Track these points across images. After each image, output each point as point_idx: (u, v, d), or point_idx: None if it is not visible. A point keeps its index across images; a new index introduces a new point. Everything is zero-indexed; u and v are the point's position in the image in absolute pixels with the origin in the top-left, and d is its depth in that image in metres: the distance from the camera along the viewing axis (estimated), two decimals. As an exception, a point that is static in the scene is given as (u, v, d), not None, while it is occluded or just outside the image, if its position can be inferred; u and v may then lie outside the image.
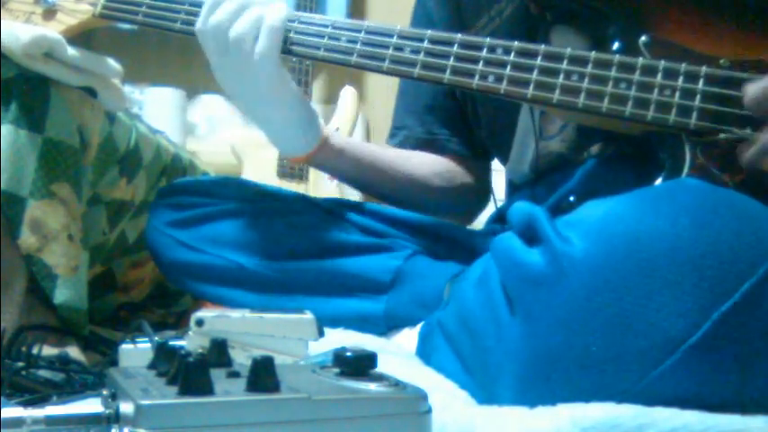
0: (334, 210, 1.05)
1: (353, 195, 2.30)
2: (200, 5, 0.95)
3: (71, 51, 0.94)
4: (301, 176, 2.16)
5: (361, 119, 2.40)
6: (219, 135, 2.52)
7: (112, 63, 1.01)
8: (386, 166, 1.09)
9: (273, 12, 0.91)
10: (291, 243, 1.01)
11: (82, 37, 1.02)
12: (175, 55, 2.35)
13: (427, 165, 1.14)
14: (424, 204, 1.12)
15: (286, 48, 0.94)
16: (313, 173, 2.18)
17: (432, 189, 1.13)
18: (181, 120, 2.36)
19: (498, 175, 1.17)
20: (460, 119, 1.14)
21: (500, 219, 1.04)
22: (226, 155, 2.24)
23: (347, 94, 2.33)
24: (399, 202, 1.11)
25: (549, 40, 0.86)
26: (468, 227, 1.18)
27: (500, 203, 1.14)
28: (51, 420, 0.47)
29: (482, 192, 1.19)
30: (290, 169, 2.16)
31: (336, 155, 1.04)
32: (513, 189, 1.05)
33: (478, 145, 1.15)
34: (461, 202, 1.17)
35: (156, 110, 2.29)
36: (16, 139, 0.92)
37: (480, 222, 1.18)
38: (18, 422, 0.46)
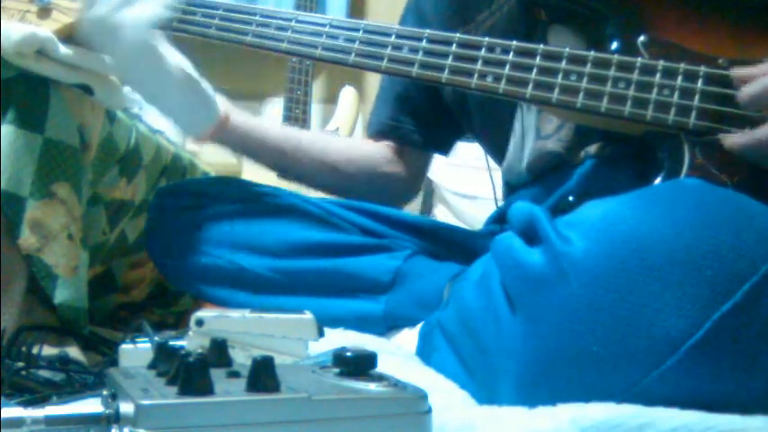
0: (333, 210, 1.05)
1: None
2: (196, 5, 0.96)
3: (63, 49, 0.94)
4: (301, 176, 2.15)
5: (361, 119, 2.40)
6: (219, 135, 2.51)
7: (107, 59, 1.00)
8: (291, 149, 1.11)
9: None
10: (291, 243, 1.01)
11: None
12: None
13: (340, 150, 1.16)
14: (334, 188, 1.16)
15: (284, 47, 0.94)
16: (313, 173, 2.17)
17: (342, 174, 1.15)
18: (181, 120, 2.35)
19: (497, 174, 1.17)
20: (429, 111, 1.15)
21: (500, 219, 1.04)
22: (226, 155, 2.24)
23: (347, 94, 2.33)
24: (310, 184, 1.14)
25: (547, 40, 0.86)
26: (468, 228, 1.18)
27: (499, 204, 1.13)
28: (51, 420, 0.47)
29: (411, 183, 1.22)
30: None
31: (239, 136, 1.06)
32: (510, 190, 1.05)
33: (440, 140, 1.18)
34: (382, 189, 1.18)
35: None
36: (16, 139, 0.92)
37: (480, 222, 1.18)
38: (18, 422, 0.46)
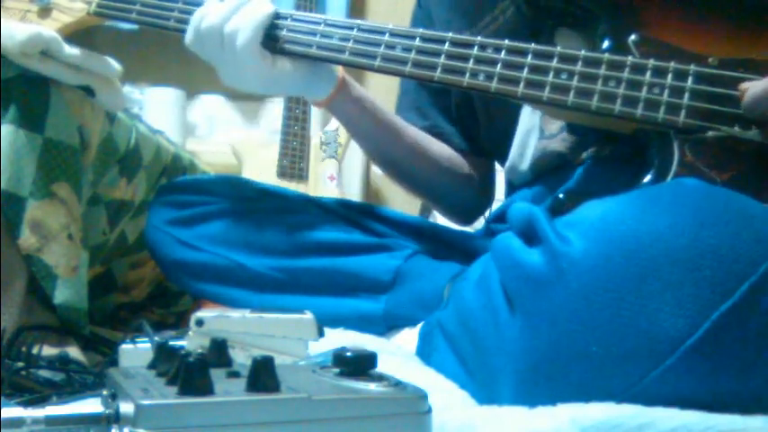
0: (333, 209, 1.05)
1: (353, 196, 2.30)
2: (192, 3, 0.96)
3: (68, 50, 0.94)
4: (301, 176, 2.16)
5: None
6: (219, 135, 2.52)
7: (111, 62, 1.01)
8: (400, 129, 1.08)
9: (257, 7, 0.94)
10: (291, 242, 1.01)
11: (82, 36, 1.02)
12: (175, 55, 2.35)
13: (444, 150, 1.13)
14: (431, 184, 1.12)
15: (278, 46, 0.94)
16: (313, 173, 2.18)
17: (442, 171, 1.12)
18: (181, 120, 2.36)
19: (498, 175, 1.17)
20: (464, 116, 1.14)
21: (499, 219, 1.04)
22: (226, 155, 2.24)
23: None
24: (402, 174, 1.11)
25: (554, 42, 0.86)
26: (468, 228, 1.18)
27: (498, 203, 1.13)
28: (51, 420, 0.47)
29: (485, 190, 1.18)
30: (289, 169, 2.16)
31: (354, 102, 1.03)
32: (512, 189, 1.06)
33: (480, 144, 1.15)
34: (465, 195, 1.16)
35: (156, 110, 2.29)
36: (16, 139, 0.92)
37: (479, 222, 1.18)
38: (18, 422, 0.46)
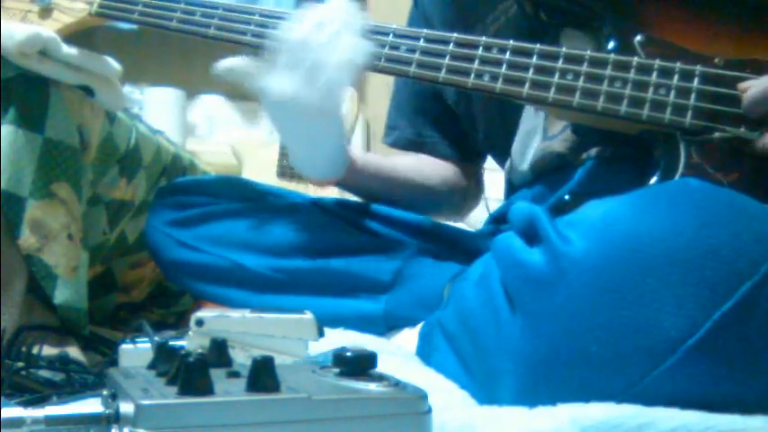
0: (333, 210, 1.05)
1: (354, 196, 2.30)
2: (195, 4, 0.95)
3: (66, 50, 0.94)
4: (301, 176, 2.16)
5: (361, 119, 2.40)
6: (219, 135, 2.52)
7: (110, 62, 1.00)
8: (401, 179, 1.11)
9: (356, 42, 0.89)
10: (291, 243, 1.01)
11: (83, 37, 1.02)
12: (175, 55, 2.35)
13: (436, 172, 1.15)
14: (433, 209, 1.14)
15: None
16: (313, 173, 2.18)
17: (440, 195, 1.15)
18: (181, 120, 2.36)
19: (497, 175, 1.17)
20: (449, 122, 1.15)
21: (500, 219, 1.04)
22: (226, 155, 2.24)
23: (347, 94, 2.33)
24: (413, 209, 1.11)
25: (559, 43, 0.86)
26: (466, 227, 1.18)
27: (498, 204, 1.13)
28: (51, 420, 0.47)
29: (475, 191, 1.21)
30: (289, 169, 2.16)
31: (359, 176, 1.05)
32: (512, 189, 1.06)
33: (468, 148, 1.17)
34: (458, 203, 1.19)
35: (156, 110, 2.29)
36: (16, 139, 0.92)
37: (479, 222, 1.18)
38: (18, 422, 0.46)
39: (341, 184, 1.07)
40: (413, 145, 1.17)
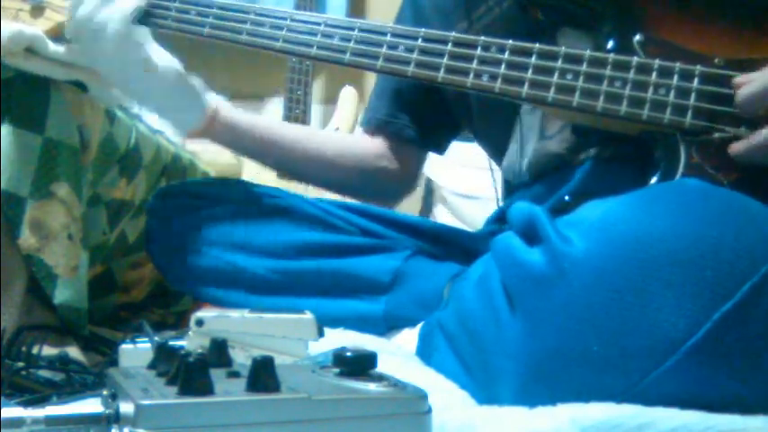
0: (333, 211, 1.05)
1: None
2: (189, 3, 0.97)
3: (53, 47, 0.94)
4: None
5: (360, 119, 2.40)
6: (219, 135, 2.51)
7: (97, 60, 1.00)
8: (287, 144, 1.10)
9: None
10: (290, 244, 1.01)
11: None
12: (175, 55, 2.35)
13: (335, 145, 1.16)
14: (328, 183, 1.16)
15: (279, 46, 0.94)
16: (313, 173, 2.17)
17: (337, 169, 1.14)
18: (181, 120, 2.35)
19: (498, 175, 1.17)
20: (426, 108, 1.14)
21: (500, 219, 1.04)
22: (226, 155, 2.24)
23: (347, 94, 2.33)
24: (305, 180, 1.15)
25: (556, 40, 0.86)
26: (467, 229, 1.18)
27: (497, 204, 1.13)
28: (51, 420, 0.47)
29: (405, 180, 1.20)
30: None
31: (230, 130, 1.05)
32: (510, 189, 1.05)
33: (434, 138, 1.17)
34: (375, 186, 1.17)
35: (156, 110, 2.28)
36: (16, 139, 0.92)
37: (480, 222, 1.18)
38: (18, 422, 0.46)
39: (211, 138, 1.06)
40: (381, 124, 1.16)
